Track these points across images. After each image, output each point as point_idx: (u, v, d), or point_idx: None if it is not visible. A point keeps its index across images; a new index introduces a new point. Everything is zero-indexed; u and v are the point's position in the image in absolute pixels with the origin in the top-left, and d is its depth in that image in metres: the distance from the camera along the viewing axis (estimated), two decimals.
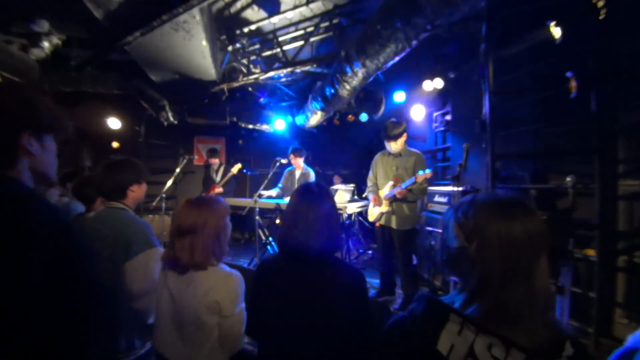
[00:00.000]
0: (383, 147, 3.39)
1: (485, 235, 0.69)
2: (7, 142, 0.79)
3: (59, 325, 0.70)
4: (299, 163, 4.59)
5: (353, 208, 4.16)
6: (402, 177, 3.17)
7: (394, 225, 3.21)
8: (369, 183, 3.51)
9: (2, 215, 0.70)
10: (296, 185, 4.58)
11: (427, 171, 2.99)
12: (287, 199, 4.28)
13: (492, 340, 0.63)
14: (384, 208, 3.26)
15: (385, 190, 3.28)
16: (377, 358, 0.78)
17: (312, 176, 4.61)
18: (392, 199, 3.19)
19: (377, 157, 3.48)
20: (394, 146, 3.20)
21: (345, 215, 4.22)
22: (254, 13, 4.14)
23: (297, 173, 4.66)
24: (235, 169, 5.03)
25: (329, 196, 1.28)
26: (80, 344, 0.74)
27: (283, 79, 6.11)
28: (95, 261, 1.40)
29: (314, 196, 1.25)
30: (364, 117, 5.72)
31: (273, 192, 4.68)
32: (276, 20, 4.20)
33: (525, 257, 0.68)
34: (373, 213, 3.43)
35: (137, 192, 1.66)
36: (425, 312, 0.72)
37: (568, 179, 2.33)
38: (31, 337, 0.67)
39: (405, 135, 3.20)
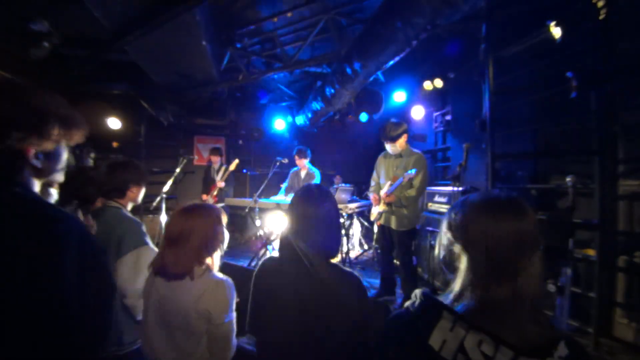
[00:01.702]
0: (383, 147, 3.39)
1: (471, 233, 0.71)
2: (12, 156, 0.73)
3: (89, 320, 0.74)
4: (303, 164, 4.59)
5: (353, 208, 4.16)
6: (399, 177, 3.17)
7: (393, 225, 3.22)
8: (372, 183, 3.52)
9: (20, 221, 0.69)
10: (302, 185, 4.57)
11: (412, 172, 2.98)
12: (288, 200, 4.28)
13: (482, 337, 0.65)
14: (382, 207, 3.27)
15: (384, 190, 3.29)
16: (375, 351, 0.80)
17: (318, 177, 4.61)
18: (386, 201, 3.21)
19: (380, 158, 3.49)
20: (392, 148, 3.19)
21: (345, 215, 4.22)
22: (254, 13, 4.15)
23: (303, 173, 4.66)
24: (233, 165, 5.03)
25: (331, 199, 1.26)
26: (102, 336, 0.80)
27: (283, 79, 6.12)
28: (107, 260, 1.43)
29: (315, 199, 1.23)
30: (364, 117, 5.71)
31: (282, 195, 4.66)
32: (276, 20, 4.19)
33: (511, 257, 0.69)
34: (373, 212, 3.44)
35: (135, 193, 1.72)
36: (420, 309, 0.74)
37: (568, 179, 2.33)
38: (67, 334, 0.70)
39: (405, 136, 3.17)
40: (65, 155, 0.85)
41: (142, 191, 1.76)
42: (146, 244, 1.59)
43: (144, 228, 1.65)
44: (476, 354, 0.64)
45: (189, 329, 1.23)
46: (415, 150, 3.26)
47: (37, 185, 0.80)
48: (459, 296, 0.73)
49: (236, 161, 5.05)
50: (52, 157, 0.79)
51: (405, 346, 0.73)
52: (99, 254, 0.83)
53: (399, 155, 3.24)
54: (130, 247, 1.53)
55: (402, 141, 3.17)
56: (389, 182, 3.25)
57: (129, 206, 1.73)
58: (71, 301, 0.69)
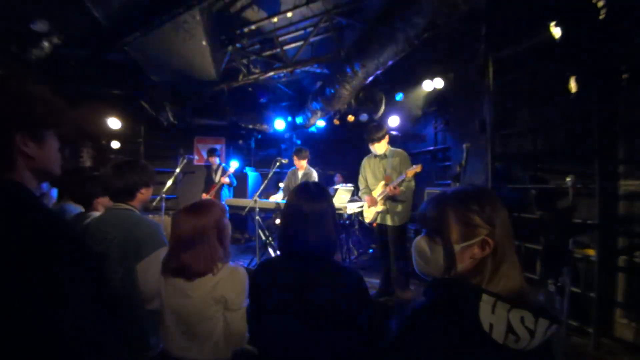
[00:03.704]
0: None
1: (502, 220, 0.77)
2: (0, 144, 0.71)
3: (79, 336, 0.68)
4: (301, 164, 4.59)
5: (353, 208, 4.16)
6: (391, 176, 3.28)
7: (389, 222, 3.29)
8: (361, 186, 3.60)
9: (8, 224, 0.66)
10: None
11: (416, 166, 3.09)
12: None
13: (522, 313, 0.68)
14: (379, 207, 3.31)
15: (378, 191, 3.35)
16: (400, 348, 0.76)
17: (315, 176, 4.60)
18: (386, 197, 3.25)
19: (364, 161, 3.59)
20: (379, 148, 3.32)
21: (345, 215, 4.22)
22: (254, 13, 4.14)
23: (300, 173, 4.65)
24: (232, 168, 5.08)
25: (327, 196, 1.27)
26: (97, 348, 0.73)
27: (283, 79, 6.12)
28: (103, 266, 1.39)
29: (312, 196, 1.23)
30: (364, 117, 5.71)
31: (279, 195, 4.67)
32: (276, 20, 4.19)
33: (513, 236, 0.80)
34: (368, 214, 3.46)
35: (145, 194, 1.67)
36: (456, 296, 0.74)
37: (568, 179, 2.33)
38: (56, 349, 0.65)
39: (387, 137, 3.33)
40: (57, 144, 0.82)
41: (151, 192, 1.71)
42: (165, 244, 1.54)
43: (161, 229, 1.60)
44: (522, 330, 0.67)
45: (204, 317, 1.26)
46: (397, 150, 3.40)
47: (34, 181, 0.78)
48: (492, 278, 0.75)
49: (235, 164, 5.07)
50: (42, 144, 0.78)
51: (452, 338, 0.70)
52: (94, 262, 0.79)
53: (384, 156, 3.36)
54: (149, 249, 1.48)
55: (385, 142, 3.32)
56: (382, 183, 3.32)
57: (140, 207, 1.68)
58: (60, 315, 0.65)
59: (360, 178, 3.61)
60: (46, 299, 0.64)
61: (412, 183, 3.21)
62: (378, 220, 3.39)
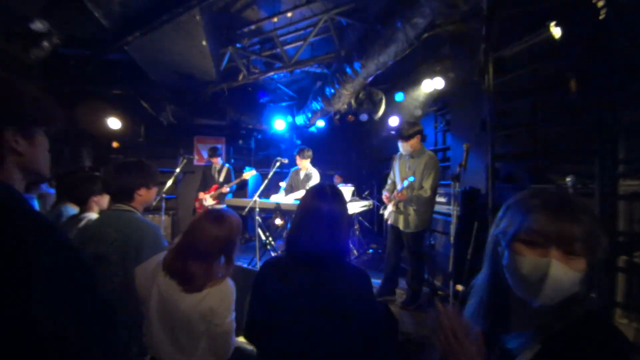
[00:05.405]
0: (382, 147, 3.40)
1: None
2: None
3: (63, 345, 0.66)
4: (304, 164, 4.56)
5: (353, 208, 4.16)
6: (406, 178, 3.15)
7: (400, 226, 3.20)
8: (388, 181, 3.51)
9: None
10: (299, 186, 4.55)
11: (411, 179, 3.00)
12: (289, 199, 4.28)
13: None
14: (391, 207, 3.27)
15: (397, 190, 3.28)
16: None
17: (317, 177, 4.58)
18: (396, 201, 3.20)
19: (395, 157, 3.47)
20: (405, 147, 3.15)
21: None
22: (254, 13, 4.15)
23: (302, 173, 4.62)
24: (248, 174, 4.90)
25: (342, 198, 1.25)
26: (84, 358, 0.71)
27: (283, 79, 6.12)
28: (93, 270, 1.37)
29: (326, 198, 1.21)
30: (363, 117, 5.71)
31: (281, 194, 4.64)
32: (276, 20, 4.20)
33: None
34: (385, 211, 3.43)
35: (144, 196, 1.63)
36: (603, 322, 0.73)
37: (568, 179, 2.33)
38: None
39: (418, 136, 3.14)
40: (47, 143, 0.82)
41: (153, 192, 1.68)
42: (166, 247, 1.51)
43: (161, 231, 1.59)
44: None
45: (190, 329, 1.23)
46: (429, 152, 3.22)
47: (22, 180, 0.77)
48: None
49: (252, 172, 4.95)
50: (32, 141, 0.77)
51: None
52: (82, 268, 0.75)
53: (411, 156, 3.22)
54: (149, 253, 1.46)
55: (414, 142, 3.13)
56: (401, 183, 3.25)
57: (141, 208, 1.66)
58: (44, 325, 0.62)
59: (390, 173, 3.50)
60: (20, 304, 0.61)
61: (423, 193, 3.05)
62: (391, 220, 3.33)
